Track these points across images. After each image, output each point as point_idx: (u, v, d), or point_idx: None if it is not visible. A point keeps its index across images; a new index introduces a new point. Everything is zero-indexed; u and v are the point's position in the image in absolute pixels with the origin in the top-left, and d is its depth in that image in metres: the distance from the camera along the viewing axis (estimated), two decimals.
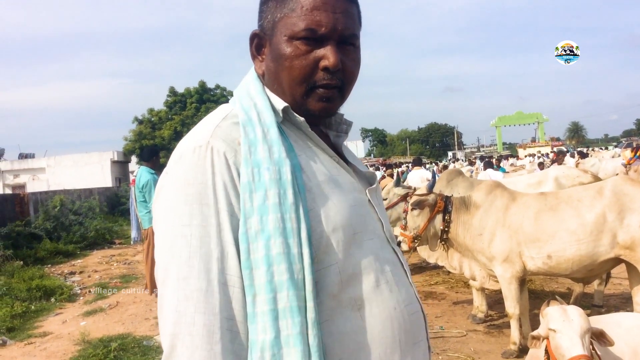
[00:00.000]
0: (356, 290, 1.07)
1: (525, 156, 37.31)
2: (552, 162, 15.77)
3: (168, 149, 37.66)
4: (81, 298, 7.98)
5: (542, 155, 33.35)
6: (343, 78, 1.14)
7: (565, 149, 40.16)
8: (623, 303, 5.70)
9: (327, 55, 1.10)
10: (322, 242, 1.04)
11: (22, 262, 10.14)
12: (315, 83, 1.12)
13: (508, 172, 14.17)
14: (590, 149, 45.16)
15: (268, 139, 1.05)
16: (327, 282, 1.04)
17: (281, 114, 1.12)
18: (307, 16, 1.09)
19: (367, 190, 1.20)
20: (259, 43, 1.19)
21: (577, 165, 14.96)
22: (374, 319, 1.07)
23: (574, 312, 2.51)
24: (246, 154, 1.03)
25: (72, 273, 9.96)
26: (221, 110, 1.17)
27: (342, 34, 1.12)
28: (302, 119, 1.13)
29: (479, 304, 5.62)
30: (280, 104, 1.13)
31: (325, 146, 1.18)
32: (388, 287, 1.10)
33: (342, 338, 1.04)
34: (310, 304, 0.98)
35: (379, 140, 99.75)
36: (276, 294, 0.97)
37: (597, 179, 6.97)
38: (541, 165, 16.54)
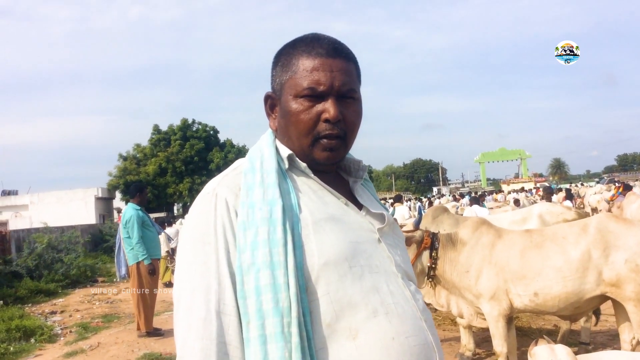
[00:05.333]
0: (352, 320, 1.13)
1: (509, 192, 37.54)
2: (541, 198, 15.78)
3: (153, 184, 37.62)
4: (62, 338, 7.80)
5: (525, 191, 33.63)
6: (345, 128, 1.26)
7: (548, 185, 40.59)
8: (610, 340, 5.68)
9: (328, 108, 1.23)
10: (314, 274, 1.14)
11: (1, 302, 9.92)
12: (319, 134, 1.25)
13: (492, 209, 14.26)
14: (574, 184, 45.63)
15: (265, 183, 1.19)
16: (320, 311, 1.13)
17: (286, 161, 1.26)
18: (308, 77, 1.24)
19: (377, 229, 1.29)
20: (271, 103, 1.34)
21: (561, 201, 15.09)
22: (369, 348, 1.12)
23: (562, 352, 2.51)
24: (244, 196, 1.18)
25: (53, 312, 9.76)
26: (236, 162, 1.33)
27: (340, 89, 1.24)
28: (304, 164, 1.27)
29: (467, 343, 5.57)
30: (285, 152, 1.27)
31: (331, 189, 1.29)
32: (387, 318, 1.16)
33: None
34: (294, 330, 1.07)
35: None
36: (264, 321, 1.08)
37: (581, 215, 7.03)
38: (517, 203, 16.63)
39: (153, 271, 7.33)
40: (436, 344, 1.23)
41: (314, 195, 1.25)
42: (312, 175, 1.28)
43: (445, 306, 4.99)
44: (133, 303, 7.55)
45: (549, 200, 12.52)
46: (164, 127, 39.84)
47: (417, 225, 4.85)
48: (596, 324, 5.54)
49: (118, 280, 11.55)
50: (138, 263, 7.27)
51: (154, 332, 7.31)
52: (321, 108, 1.24)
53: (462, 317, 4.99)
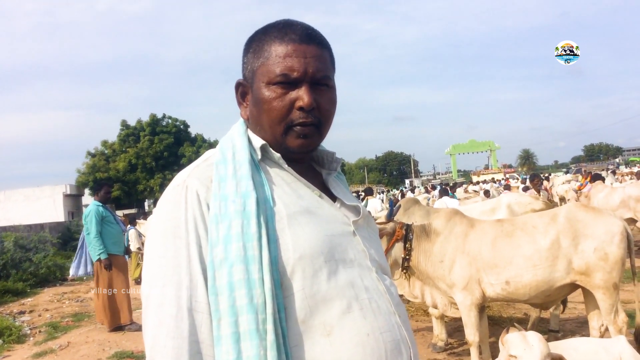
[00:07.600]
0: (326, 316, 1.10)
1: (477, 182, 37.97)
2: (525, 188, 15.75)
3: (123, 181, 37.15)
4: (31, 339, 7.63)
5: (495, 181, 34.06)
6: (319, 116, 1.23)
7: (517, 176, 41.19)
8: (579, 327, 5.79)
9: (302, 96, 1.19)
10: (288, 269, 1.10)
11: None
12: (292, 122, 1.21)
13: (461, 199, 14.38)
14: (544, 175, 46.39)
15: (238, 174, 1.15)
16: (294, 307, 1.09)
17: (259, 152, 1.22)
18: (280, 63, 1.20)
19: (352, 222, 1.26)
20: (243, 91, 1.30)
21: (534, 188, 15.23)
22: (344, 344, 1.09)
23: (534, 338, 2.53)
24: (215, 189, 1.13)
25: (22, 312, 9.55)
26: (206, 153, 1.27)
27: (314, 76, 1.21)
28: (278, 155, 1.22)
29: (439, 332, 5.63)
30: (258, 142, 1.23)
31: (305, 181, 1.25)
32: (362, 313, 1.13)
33: None
34: (269, 327, 1.03)
35: None
36: (237, 318, 1.04)
37: (548, 205, 7.14)
38: (487, 194, 16.81)
39: (109, 266, 7.32)
40: (410, 340, 1.21)
41: (287, 188, 1.21)
42: (286, 166, 1.24)
43: (419, 297, 5.02)
44: (97, 301, 7.56)
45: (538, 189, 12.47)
46: (132, 122, 39.32)
47: (389, 217, 4.85)
48: (563, 311, 5.65)
49: (70, 277, 11.33)
50: (99, 260, 7.32)
51: (119, 329, 7.34)
52: (295, 95, 1.20)
53: (436, 307, 5.03)
